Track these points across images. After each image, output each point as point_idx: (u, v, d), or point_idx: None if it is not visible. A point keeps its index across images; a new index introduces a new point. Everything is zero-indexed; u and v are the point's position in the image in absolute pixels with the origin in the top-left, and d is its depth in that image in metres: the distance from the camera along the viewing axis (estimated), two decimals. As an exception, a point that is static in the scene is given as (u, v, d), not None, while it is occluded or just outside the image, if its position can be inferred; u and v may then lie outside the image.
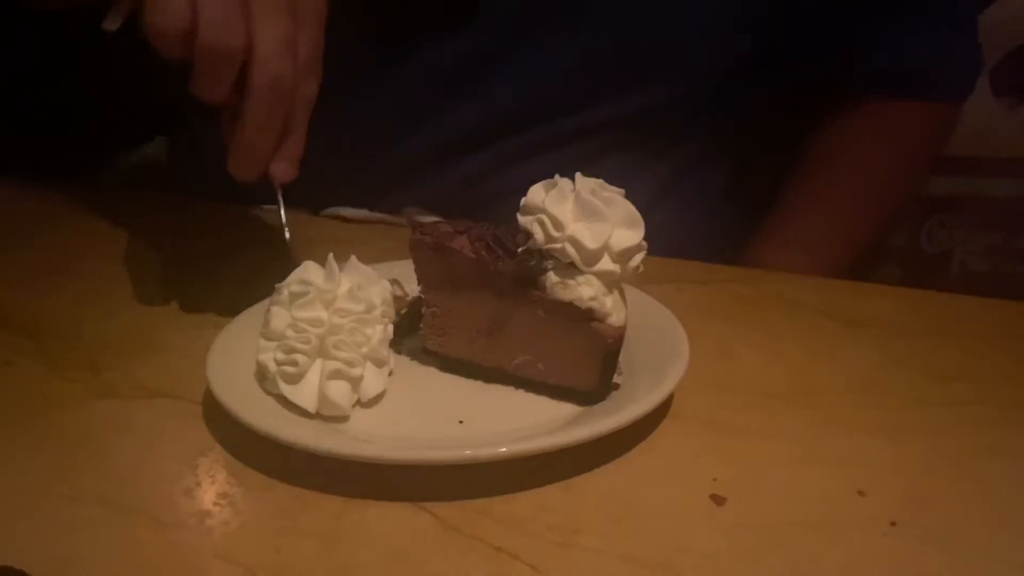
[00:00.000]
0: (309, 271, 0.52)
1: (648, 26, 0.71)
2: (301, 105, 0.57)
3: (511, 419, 0.52)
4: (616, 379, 0.53)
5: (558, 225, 0.49)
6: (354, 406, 0.52)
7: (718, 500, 0.47)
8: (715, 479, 0.48)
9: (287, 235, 0.61)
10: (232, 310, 0.57)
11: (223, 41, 0.54)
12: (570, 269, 0.50)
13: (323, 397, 0.51)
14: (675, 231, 0.64)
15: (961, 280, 1.03)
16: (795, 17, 0.76)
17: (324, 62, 0.67)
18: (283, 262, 0.56)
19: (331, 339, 0.51)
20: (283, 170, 0.58)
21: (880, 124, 0.82)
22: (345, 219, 0.74)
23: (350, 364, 0.51)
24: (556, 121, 0.73)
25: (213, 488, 0.47)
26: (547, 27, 0.71)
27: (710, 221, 0.82)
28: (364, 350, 0.51)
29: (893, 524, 0.45)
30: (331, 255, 0.53)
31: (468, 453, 0.46)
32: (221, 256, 0.69)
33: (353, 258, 0.54)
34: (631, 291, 0.56)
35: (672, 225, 0.64)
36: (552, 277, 0.50)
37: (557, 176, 0.52)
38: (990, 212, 1.03)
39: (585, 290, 0.49)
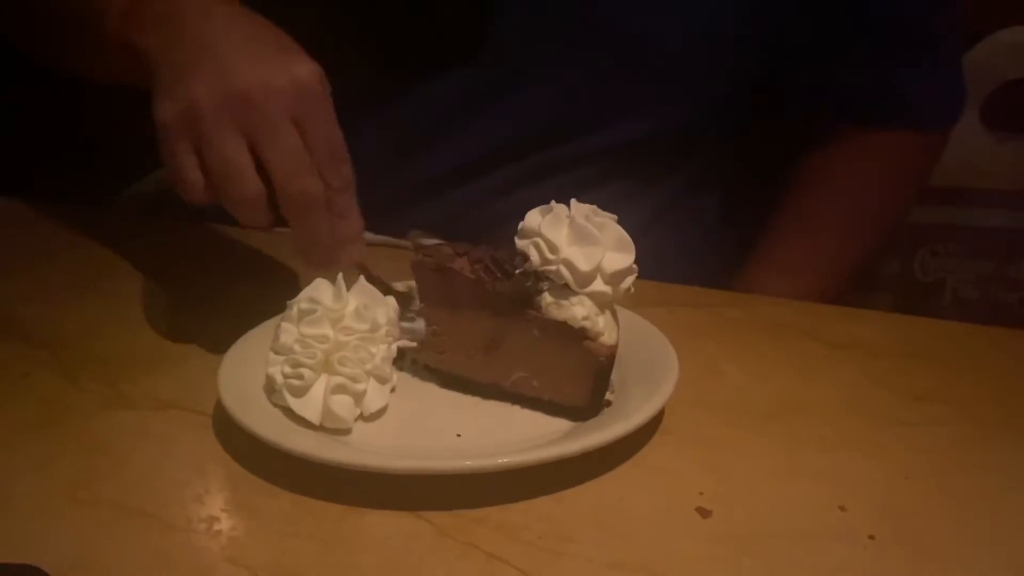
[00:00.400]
0: (319, 289, 0.55)
1: (639, 62, 0.74)
2: (339, 194, 0.57)
3: (507, 433, 0.54)
4: (608, 396, 0.55)
5: (553, 248, 0.52)
6: (357, 419, 0.54)
7: (704, 512, 0.49)
8: (701, 492, 0.50)
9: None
10: (241, 327, 0.60)
11: (239, 191, 0.56)
12: (564, 290, 0.52)
13: (327, 410, 0.53)
14: (668, 256, 0.66)
15: (954, 308, 1.05)
16: (783, 51, 0.79)
17: (344, 76, 0.69)
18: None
19: (336, 355, 0.53)
20: (348, 255, 0.58)
21: (867, 152, 0.85)
22: None
23: (354, 379, 0.53)
24: (551, 150, 0.76)
25: (222, 495, 0.50)
26: (542, 63, 0.74)
27: (702, 246, 0.85)
28: (368, 367, 0.54)
29: (872, 537, 0.47)
30: (340, 275, 0.56)
31: (466, 464, 0.48)
32: (232, 276, 0.71)
33: (362, 278, 0.57)
34: (624, 313, 0.58)
35: (665, 250, 0.67)
36: (547, 298, 0.53)
37: (553, 202, 0.54)
38: (982, 242, 1.05)
39: (578, 310, 0.52)
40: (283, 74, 0.55)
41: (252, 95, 0.55)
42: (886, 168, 0.86)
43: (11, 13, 0.78)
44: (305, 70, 0.56)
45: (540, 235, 0.52)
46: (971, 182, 1.05)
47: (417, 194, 0.78)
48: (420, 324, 0.59)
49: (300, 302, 0.55)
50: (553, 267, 0.52)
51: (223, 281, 0.71)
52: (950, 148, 0.90)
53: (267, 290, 0.63)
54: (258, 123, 0.55)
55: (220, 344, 0.59)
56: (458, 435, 0.54)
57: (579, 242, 0.52)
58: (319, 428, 0.53)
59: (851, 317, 0.71)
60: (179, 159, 0.56)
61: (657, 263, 0.58)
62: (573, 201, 0.54)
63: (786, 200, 0.85)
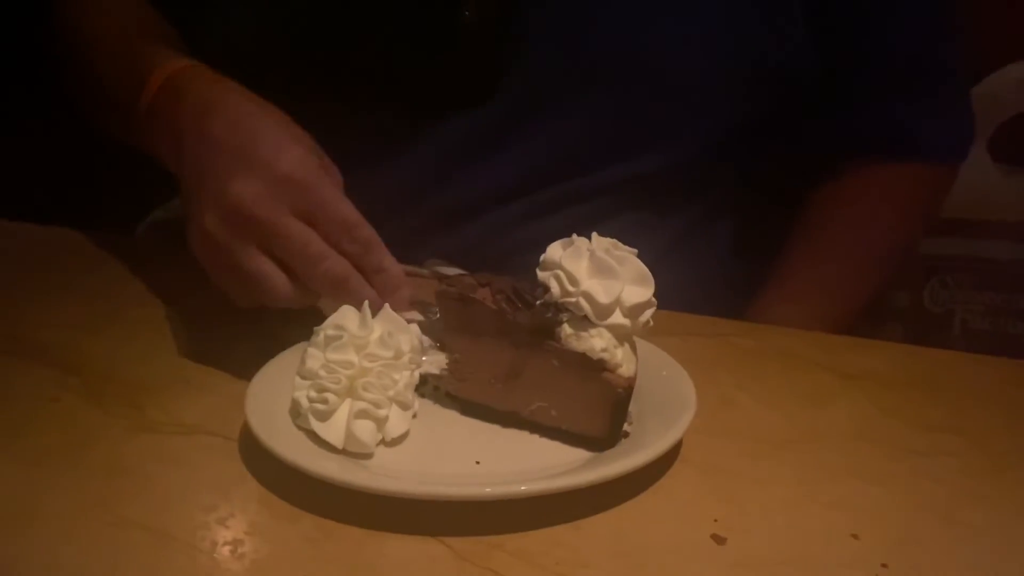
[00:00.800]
0: (345, 316, 0.56)
1: (652, 99, 0.76)
2: (366, 256, 0.60)
3: (525, 461, 0.55)
4: (626, 427, 0.56)
5: (573, 281, 0.53)
6: (378, 444, 0.56)
7: (719, 540, 0.50)
8: (716, 520, 0.51)
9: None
10: (266, 353, 0.61)
11: (272, 296, 0.60)
12: (584, 322, 0.54)
13: (350, 434, 0.54)
14: (681, 285, 0.67)
15: (963, 339, 1.06)
16: (794, 86, 0.81)
17: (351, 133, 0.72)
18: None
19: (360, 381, 0.55)
20: (399, 302, 0.61)
21: (876, 185, 0.86)
22: None
23: (377, 405, 0.55)
24: (567, 182, 0.78)
25: (245, 517, 0.51)
26: (558, 101, 0.76)
27: (715, 275, 0.86)
28: (391, 393, 0.55)
29: (884, 566, 0.48)
30: (367, 302, 0.57)
31: (487, 491, 0.50)
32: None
33: (387, 306, 0.58)
34: (641, 343, 0.59)
35: (679, 279, 0.68)
36: (567, 329, 0.54)
37: (574, 235, 0.56)
38: (990, 273, 1.06)
39: (597, 342, 0.53)
40: (268, 176, 0.58)
41: (245, 208, 0.58)
42: (896, 201, 0.87)
43: (76, 89, 0.82)
44: (288, 162, 0.59)
45: (561, 267, 0.54)
46: (980, 214, 1.06)
47: (436, 224, 0.79)
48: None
49: (327, 328, 0.56)
50: (573, 299, 0.53)
51: (244, 309, 0.72)
52: (959, 180, 0.91)
53: (293, 316, 0.65)
54: (261, 231, 0.58)
55: (245, 370, 0.60)
56: (477, 462, 0.55)
57: (599, 275, 0.53)
58: (342, 452, 0.54)
59: (862, 347, 0.72)
60: (220, 280, 0.62)
61: (671, 292, 0.60)
62: (594, 234, 0.56)
63: (797, 232, 0.86)
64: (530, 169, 0.77)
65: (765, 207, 0.90)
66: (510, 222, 0.78)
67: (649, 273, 0.54)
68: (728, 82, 0.77)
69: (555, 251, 0.55)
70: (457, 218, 0.79)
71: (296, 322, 0.61)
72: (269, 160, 0.59)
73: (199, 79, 0.67)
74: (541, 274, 0.55)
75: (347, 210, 0.60)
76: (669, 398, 0.57)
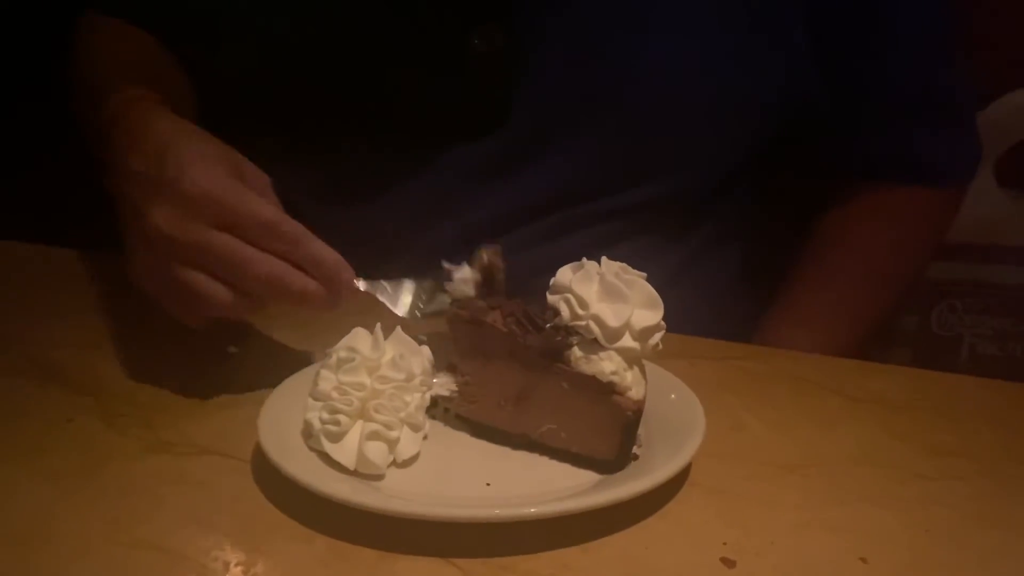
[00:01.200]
0: (357, 339, 0.57)
1: (661, 127, 0.77)
2: (295, 251, 0.60)
3: (535, 483, 0.56)
4: (635, 450, 0.57)
5: (583, 304, 0.54)
6: (390, 466, 0.56)
7: (728, 563, 0.50)
8: (725, 543, 0.51)
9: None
10: (275, 375, 0.62)
11: (212, 309, 0.61)
12: (593, 345, 0.54)
13: (361, 456, 0.55)
14: (691, 309, 0.68)
15: (971, 363, 1.06)
16: (801, 113, 0.82)
17: (360, 162, 0.73)
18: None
19: (372, 403, 0.55)
20: (345, 291, 0.61)
21: (883, 209, 0.87)
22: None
23: (388, 427, 0.55)
24: (577, 208, 0.78)
25: (258, 539, 0.51)
26: (568, 128, 0.77)
27: (724, 299, 0.86)
28: (402, 415, 0.56)
29: (893, 590, 0.48)
30: (379, 325, 0.58)
31: (496, 512, 0.50)
32: (271, 324, 0.73)
33: (399, 328, 0.59)
34: (650, 366, 0.60)
35: (688, 303, 0.68)
36: (576, 352, 0.54)
37: (584, 259, 0.57)
38: (998, 298, 1.07)
39: (607, 365, 0.54)
40: (177, 198, 0.59)
41: (164, 233, 0.60)
42: (903, 225, 0.88)
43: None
44: (191, 179, 0.60)
45: (571, 291, 0.54)
46: (987, 238, 1.07)
47: (447, 250, 0.80)
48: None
49: (339, 350, 0.57)
50: (583, 322, 0.54)
51: (262, 329, 0.73)
52: (966, 205, 0.91)
53: (306, 338, 0.65)
54: (185, 252, 0.60)
55: (258, 391, 0.61)
56: (488, 484, 0.55)
57: (609, 299, 0.54)
58: (354, 473, 0.55)
59: (870, 371, 0.73)
60: (164, 303, 0.64)
61: (679, 315, 0.60)
62: (604, 258, 0.56)
63: (805, 256, 0.87)
64: (539, 195, 0.78)
65: (773, 230, 0.91)
66: (520, 246, 0.79)
67: (658, 297, 0.55)
68: (733, 109, 0.78)
69: (565, 275, 0.56)
70: (467, 243, 0.80)
71: (309, 343, 0.62)
72: (174, 181, 0.60)
73: (134, 111, 0.68)
74: (551, 297, 0.56)
75: (265, 210, 0.60)
76: (678, 421, 0.57)
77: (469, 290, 0.60)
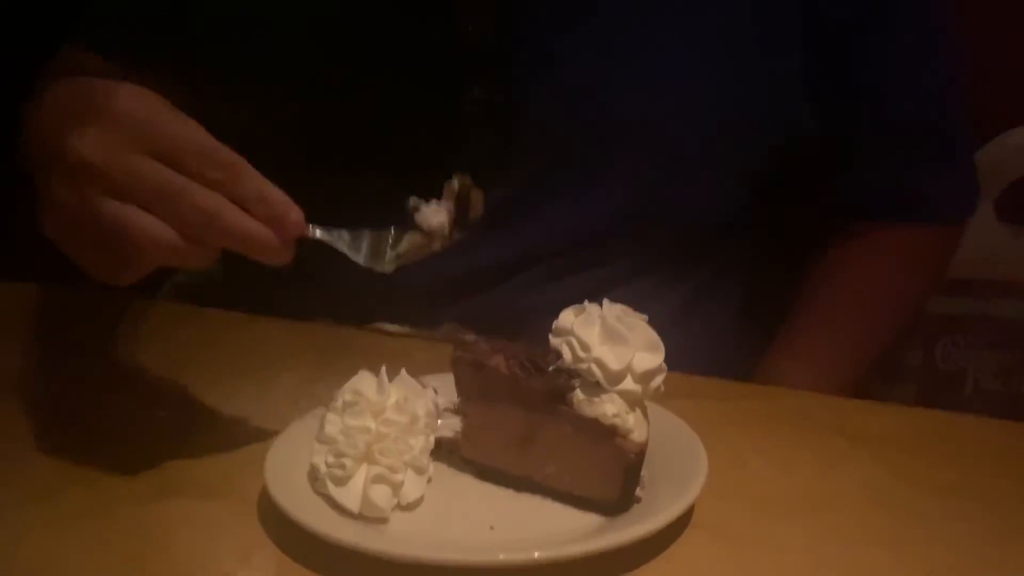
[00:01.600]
0: (362, 381, 0.58)
1: (661, 169, 0.77)
2: (237, 185, 0.54)
3: (539, 526, 0.56)
4: (638, 492, 0.57)
5: (585, 347, 0.54)
6: (394, 509, 0.56)
7: (732, 606, 0.50)
8: (729, 586, 0.52)
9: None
10: (283, 418, 0.62)
11: (150, 244, 0.53)
12: (596, 388, 0.55)
13: (366, 499, 0.55)
14: (693, 348, 0.68)
15: (976, 398, 1.06)
16: (799, 153, 0.83)
17: (364, 207, 0.73)
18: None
19: (377, 446, 0.56)
20: (292, 228, 0.55)
21: (883, 246, 0.87)
22: (388, 333, 0.80)
23: (393, 470, 0.56)
24: (582, 251, 0.79)
25: (265, 582, 0.52)
26: (569, 180, 0.77)
27: (726, 338, 0.87)
28: (406, 458, 0.56)
29: (897, 633, 0.48)
30: (383, 368, 0.58)
31: (500, 557, 0.50)
32: (278, 366, 0.74)
33: (403, 372, 0.59)
34: (653, 407, 0.60)
35: (690, 342, 0.69)
36: (579, 395, 0.55)
37: (586, 302, 0.57)
38: (1001, 332, 1.07)
39: (609, 407, 0.54)
40: (105, 120, 0.53)
41: (86, 159, 0.53)
42: (902, 262, 0.88)
43: None
44: (123, 99, 0.54)
45: (573, 334, 0.55)
46: (989, 273, 1.07)
47: (450, 291, 0.81)
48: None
49: (345, 393, 0.57)
50: (585, 365, 0.55)
51: (269, 371, 0.74)
52: (968, 241, 0.92)
53: (313, 380, 0.66)
54: (110, 180, 0.53)
55: (265, 433, 0.61)
56: (491, 527, 0.55)
57: (610, 341, 0.54)
58: (358, 517, 0.55)
59: (873, 410, 0.73)
60: (85, 255, 0.56)
61: (681, 354, 0.61)
62: (606, 301, 0.57)
63: (805, 293, 0.87)
64: (540, 242, 0.79)
65: (773, 268, 0.92)
66: (523, 288, 0.79)
67: (659, 340, 0.56)
68: (733, 155, 0.79)
69: (567, 318, 0.56)
70: (471, 286, 0.80)
71: (315, 385, 0.63)
72: (102, 104, 0.54)
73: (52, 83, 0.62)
74: (554, 340, 0.56)
75: (201, 135, 0.54)
76: (680, 462, 0.57)
77: (442, 220, 0.56)
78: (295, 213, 0.55)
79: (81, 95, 0.57)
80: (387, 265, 0.60)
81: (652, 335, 0.55)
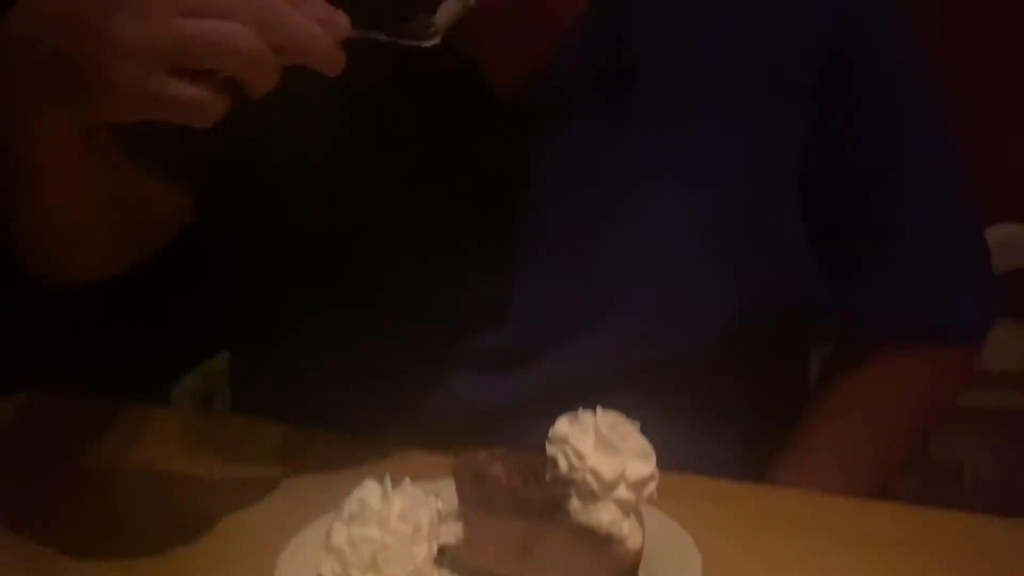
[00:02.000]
0: (367, 490, 0.60)
1: (661, 334, 0.77)
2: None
3: (539, 633, 0.57)
4: (635, 597, 0.58)
5: (579, 456, 0.57)
6: (400, 617, 0.58)
7: None
8: None
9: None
10: (291, 527, 0.64)
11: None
12: (591, 496, 0.57)
13: (372, 608, 0.57)
14: (691, 458, 0.69)
15: (974, 490, 1.06)
16: (808, 288, 0.80)
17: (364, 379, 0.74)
18: None
19: (382, 555, 0.57)
20: (340, 28, 0.56)
21: (894, 371, 0.85)
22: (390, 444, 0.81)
23: (398, 579, 0.57)
24: (582, 395, 0.75)
25: None
26: (567, 333, 0.77)
27: (729, 469, 0.81)
28: (411, 568, 0.58)
29: None
30: (387, 477, 0.60)
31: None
32: (286, 471, 0.76)
33: (407, 480, 0.61)
34: (648, 510, 0.61)
35: (690, 453, 0.69)
36: (575, 503, 0.57)
37: (580, 410, 0.60)
38: (997, 423, 1.08)
39: (604, 515, 0.56)
40: None
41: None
42: (914, 388, 0.86)
43: None
44: None
45: (568, 443, 0.57)
46: (982, 364, 1.09)
47: (447, 434, 0.77)
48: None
49: (351, 503, 0.59)
50: (580, 474, 0.57)
51: (277, 478, 0.75)
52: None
53: (320, 486, 0.67)
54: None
55: (273, 543, 0.63)
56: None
57: (604, 450, 0.57)
58: (364, 626, 0.57)
59: (868, 510, 0.74)
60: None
61: (680, 460, 0.62)
62: (599, 410, 0.60)
63: (811, 417, 0.85)
64: (542, 388, 0.77)
65: (777, 395, 0.88)
66: (521, 431, 0.72)
67: (651, 448, 0.58)
68: (735, 306, 0.77)
69: (563, 426, 0.59)
70: (468, 431, 0.77)
71: (322, 493, 0.64)
72: None
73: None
74: (550, 448, 0.59)
75: None
76: (675, 567, 0.59)
77: None
78: (341, 16, 0.57)
79: None
80: (430, 37, 0.61)
81: (643, 443, 0.58)
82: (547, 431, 0.58)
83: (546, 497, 0.58)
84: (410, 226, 0.78)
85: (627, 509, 0.57)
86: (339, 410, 0.78)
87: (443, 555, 0.63)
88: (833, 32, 0.77)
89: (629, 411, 0.59)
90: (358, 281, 0.78)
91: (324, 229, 0.78)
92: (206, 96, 0.54)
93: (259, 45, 0.54)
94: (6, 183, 0.68)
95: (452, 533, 0.64)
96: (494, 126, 0.75)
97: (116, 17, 0.53)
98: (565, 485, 0.58)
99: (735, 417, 0.84)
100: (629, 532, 0.56)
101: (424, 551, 0.59)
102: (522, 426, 0.71)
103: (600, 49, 0.74)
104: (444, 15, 0.62)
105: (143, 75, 0.53)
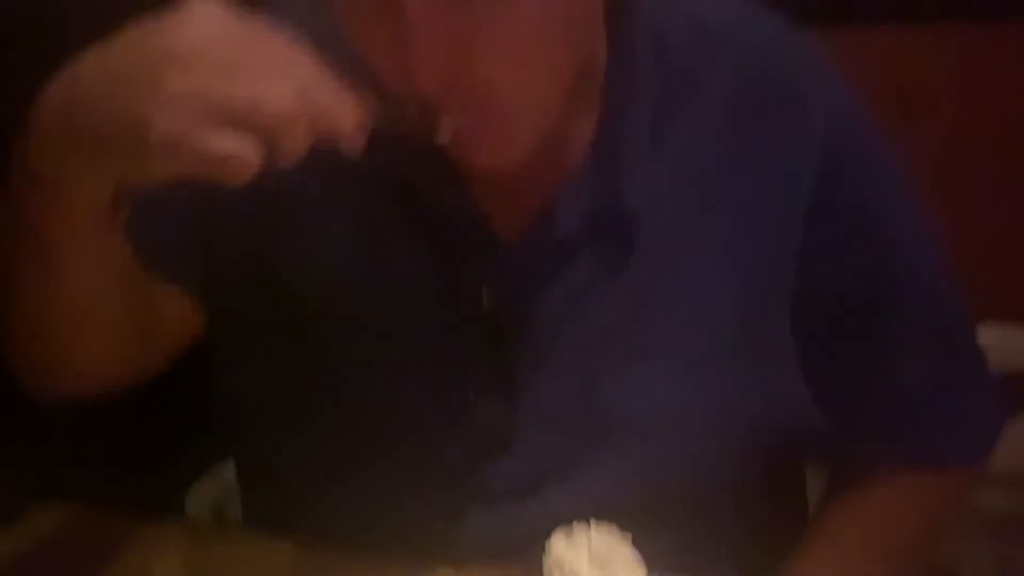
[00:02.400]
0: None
1: (670, 450, 0.77)
2: None
3: None
4: None
5: (573, 572, 0.59)
6: None
7: None
8: None
9: None
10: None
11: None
12: (587, 611, 0.59)
13: None
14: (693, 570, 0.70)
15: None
16: (810, 415, 0.80)
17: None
18: None
19: None
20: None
21: (900, 492, 0.84)
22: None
23: None
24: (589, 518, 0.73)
25: None
26: (575, 461, 0.78)
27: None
28: None
29: None
30: None
31: None
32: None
33: None
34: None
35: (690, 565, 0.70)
36: (572, 619, 0.59)
37: (575, 523, 0.62)
38: (994, 523, 1.08)
39: (599, 630, 0.58)
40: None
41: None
42: (920, 507, 0.85)
43: None
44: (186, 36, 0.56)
45: (563, 560, 0.60)
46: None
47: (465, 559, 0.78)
48: None
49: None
50: (575, 592, 0.59)
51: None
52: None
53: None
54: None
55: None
56: None
57: (597, 566, 0.59)
58: None
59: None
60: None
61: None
62: (593, 524, 0.62)
63: (815, 537, 0.84)
64: (546, 518, 0.72)
65: (780, 516, 0.87)
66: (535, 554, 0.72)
67: (640, 560, 0.60)
68: (733, 430, 0.78)
69: (558, 543, 0.61)
70: (485, 557, 0.77)
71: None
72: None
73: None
74: (546, 564, 0.61)
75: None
76: None
77: None
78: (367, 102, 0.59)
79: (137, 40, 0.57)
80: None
81: (631, 557, 0.60)
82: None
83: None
84: (415, 357, 0.79)
85: (621, 623, 0.59)
86: (345, 534, 0.78)
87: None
88: (824, 153, 0.77)
89: (633, 539, 0.61)
90: (362, 410, 0.79)
91: (328, 357, 0.80)
92: (243, 151, 0.56)
93: (296, 108, 0.56)
94: (19, 264, 0.70)
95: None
96: (499, 265, 0.77)
97: (167, 71, 0.55)
98: (561, 602, 0.60)
99: (734, 541, 0.82)
100: (622, 646, 0.58)
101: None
102: (529, 553, 0.72)
103: (598, 198, 0.75)
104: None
105: (185, 127, 0.54)
